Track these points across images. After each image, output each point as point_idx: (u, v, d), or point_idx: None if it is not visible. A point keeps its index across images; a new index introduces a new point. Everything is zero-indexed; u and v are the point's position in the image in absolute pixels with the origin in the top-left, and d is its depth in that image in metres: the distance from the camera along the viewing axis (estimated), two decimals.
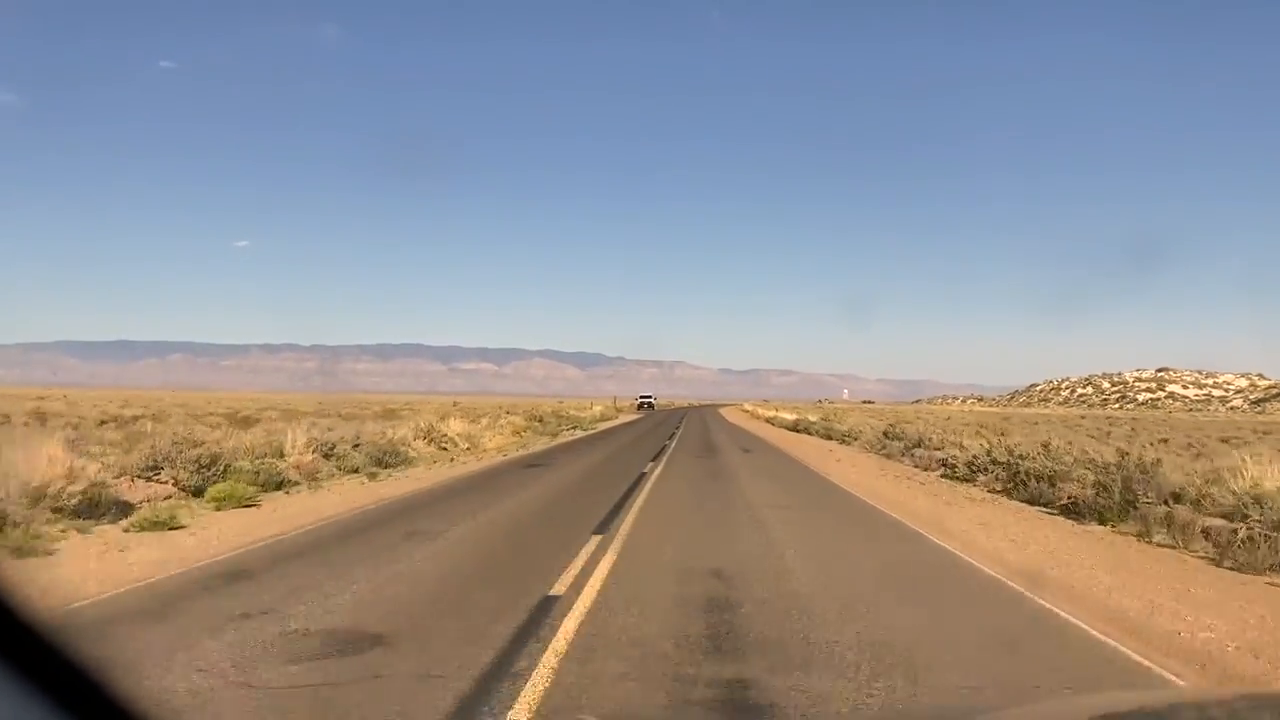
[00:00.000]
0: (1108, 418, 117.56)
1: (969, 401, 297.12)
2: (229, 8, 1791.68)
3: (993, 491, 18.59)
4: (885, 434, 34.90)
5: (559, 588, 8.43)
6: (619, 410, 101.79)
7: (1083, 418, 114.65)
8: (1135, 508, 12.91)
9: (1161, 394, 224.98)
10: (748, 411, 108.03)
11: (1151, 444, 33.18)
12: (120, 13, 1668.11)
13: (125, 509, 12.55)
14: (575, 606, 7.63)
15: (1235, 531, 10.75)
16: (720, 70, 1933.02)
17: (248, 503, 14.43)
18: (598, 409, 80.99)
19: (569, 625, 7.01)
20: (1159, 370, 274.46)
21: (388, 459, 22.73)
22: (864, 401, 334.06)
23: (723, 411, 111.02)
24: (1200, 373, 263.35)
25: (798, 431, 50.31)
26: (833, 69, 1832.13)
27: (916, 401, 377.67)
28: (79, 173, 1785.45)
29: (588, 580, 8.77)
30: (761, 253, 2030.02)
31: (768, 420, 72.41)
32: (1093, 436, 43.58)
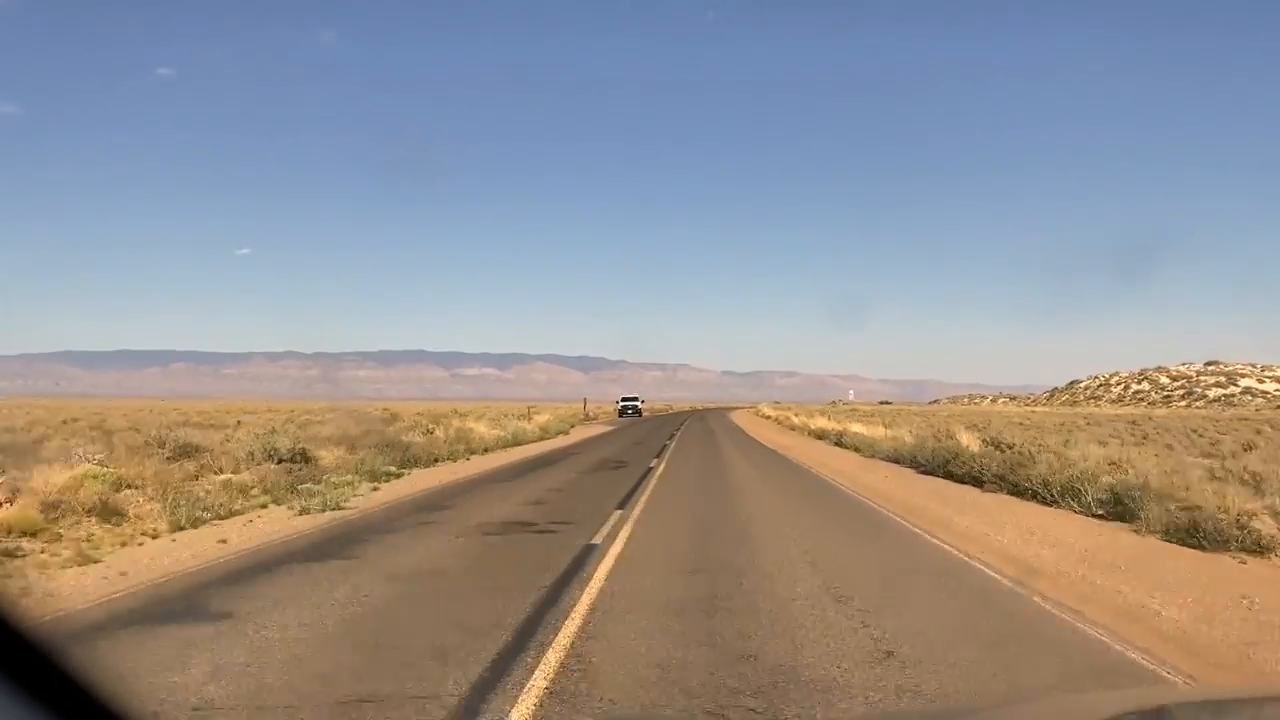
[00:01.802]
0: (1244, 419, 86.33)
1: (1000, 401, 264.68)
2: (226, 14, 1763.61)
3: None
4: None
5: None
6: (588, 418, 70.23)
7: (1217, 421, 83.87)
8: None
9: (1235, 389, 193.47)
10: (770, 418, 76.64)
11: None
12: (117, 21, 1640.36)
13: None
14: None
15: None
16: (719, 70, 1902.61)
17: None
18: (541, 420, 49.66)
19: None
20: (1208, 364, 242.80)
21: None
22: (881, 402, 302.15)
23: (736, 418, 79.43)
24: (1255, 365, 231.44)
25: (971, 484, 18.40)
26: (832, 67, 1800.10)
27: (934, 402, 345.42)
28: (79, 182, 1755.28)
29: None
30: (762, 254, 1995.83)
31: (819, 436, 41.40)
32: None
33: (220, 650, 6.04)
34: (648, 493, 16.78)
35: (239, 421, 42.12)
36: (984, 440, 22.84)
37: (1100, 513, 13.74)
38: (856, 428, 39.12)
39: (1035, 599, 8.20)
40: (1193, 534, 11.29)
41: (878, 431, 33.06)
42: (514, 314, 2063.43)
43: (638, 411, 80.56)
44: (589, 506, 14.52)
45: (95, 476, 13.13)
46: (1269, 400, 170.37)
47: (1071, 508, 14.41)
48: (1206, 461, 22.51)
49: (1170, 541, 11.33)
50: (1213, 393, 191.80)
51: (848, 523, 13.85)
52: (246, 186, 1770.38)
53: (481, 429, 39.24)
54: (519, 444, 35.96)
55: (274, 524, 12.58)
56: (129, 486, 13.46)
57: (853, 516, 14.58)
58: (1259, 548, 10.65)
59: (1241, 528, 11.08)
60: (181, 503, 12.35)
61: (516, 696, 5.12)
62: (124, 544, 10.39)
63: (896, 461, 25.13)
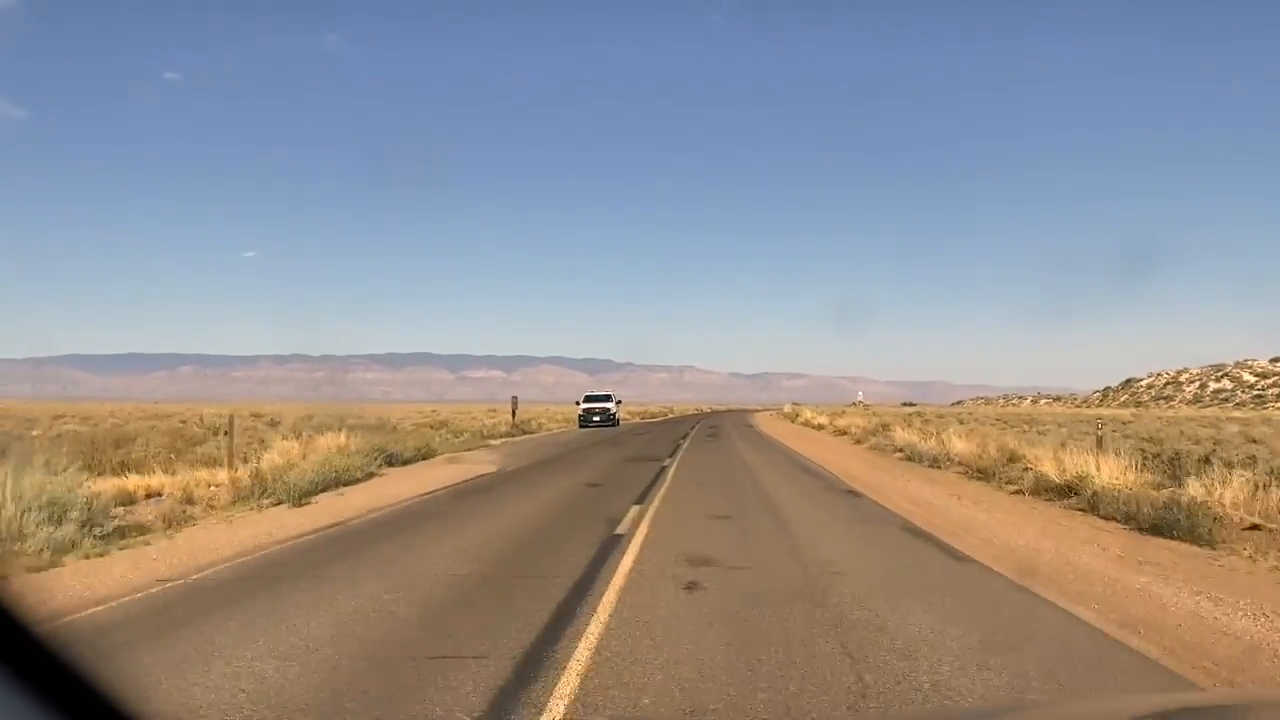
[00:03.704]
0: None
1: (1043, 401, 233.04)
2: (232, 19, 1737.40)
3: None
4: None
5: None
6: (513, 432, 39.78)
7: None
8: None
9: None
10: (822, 427, 46.17)
11: None
12: (125, 26, 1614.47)
13: None
14: None
15: None
16: (725, 76, 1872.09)
17: None
18: (317, 448, 19.07)
19: None
20: (1273, 360, 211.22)
21: None
22: (904, 404, 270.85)
23: (776, 432, 47.82)
24: None
25: None
26: (837, 73, 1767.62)
27: (958, 403, 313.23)
28: (86, 186, 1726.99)
29: None
30: (768, 257, 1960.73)
31: (1162, 530, 11.70)
32: None
33: None
34: None
35: None
36: None
37: None
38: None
39: None
40: None
41: None
42: (520, 317, 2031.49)
43: (609, 419, 49.77)
44: None
45: None
46: None
47: None
48: None
49: None
50: None
51: None
52: (252, 189, 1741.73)
53: None
54: None
55: None
56: None
57: None
58: None
59: None
60: None
61: None
62: None
63: None
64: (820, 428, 47.49)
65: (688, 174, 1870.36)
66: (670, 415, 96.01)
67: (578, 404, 50.74)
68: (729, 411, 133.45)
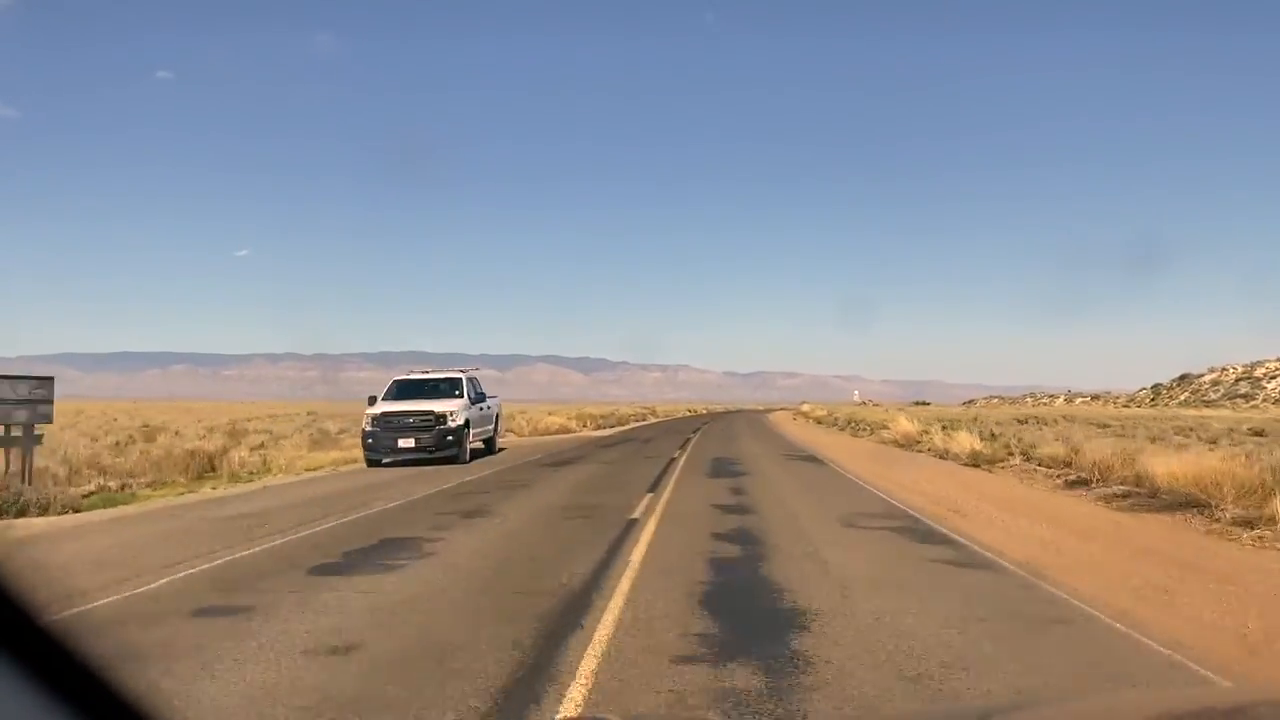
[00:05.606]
0: None
1: (1080, 401, 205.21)
2: (224, 17, 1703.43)
3: None
4: None
5: None
6: None
7: None
8: None
9: None
10: (986, 460, 18.35)
11: None
12: (116, 24, 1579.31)
13: None
14: None
15: None
16: (718, 70, 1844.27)
17: None
18: None
19: None
20: None
21: None
22: (915, 403, 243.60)
23: (934, 503, 20.11)
24: None
25: None
26: (832, 67, 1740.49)
27: (969, 403, 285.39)
28: (78, 185, 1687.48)
29: None
30: (763, 255, 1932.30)
31: None
32: None
33: None
34: None
35: None
36: None
37: None
38: None
39: None
40: None
41: None
42: (514, 315, 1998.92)
43: (445, 444, 19.37)
44: None
45: None
46: None
47: None
48: None
49: None
50: None
51: None
52: (245, 188, 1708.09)
53: None
54: None
55: None
56: None
57: None
58: None
59: None
60: None
61: None
62: None
63: None
64: (983, 461, 18.62)
65: (683, 172, 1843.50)
66: (649, 421, 66.69)
67: (370, 401, 21.60)
68: (727, 413, 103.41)
